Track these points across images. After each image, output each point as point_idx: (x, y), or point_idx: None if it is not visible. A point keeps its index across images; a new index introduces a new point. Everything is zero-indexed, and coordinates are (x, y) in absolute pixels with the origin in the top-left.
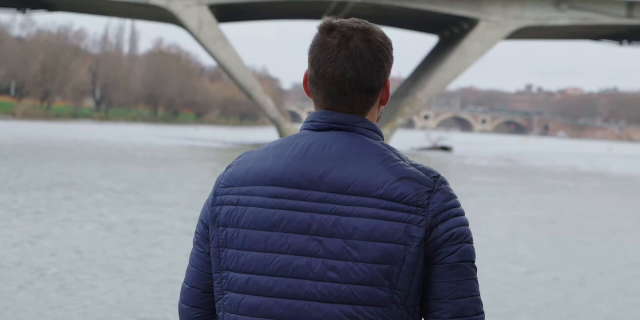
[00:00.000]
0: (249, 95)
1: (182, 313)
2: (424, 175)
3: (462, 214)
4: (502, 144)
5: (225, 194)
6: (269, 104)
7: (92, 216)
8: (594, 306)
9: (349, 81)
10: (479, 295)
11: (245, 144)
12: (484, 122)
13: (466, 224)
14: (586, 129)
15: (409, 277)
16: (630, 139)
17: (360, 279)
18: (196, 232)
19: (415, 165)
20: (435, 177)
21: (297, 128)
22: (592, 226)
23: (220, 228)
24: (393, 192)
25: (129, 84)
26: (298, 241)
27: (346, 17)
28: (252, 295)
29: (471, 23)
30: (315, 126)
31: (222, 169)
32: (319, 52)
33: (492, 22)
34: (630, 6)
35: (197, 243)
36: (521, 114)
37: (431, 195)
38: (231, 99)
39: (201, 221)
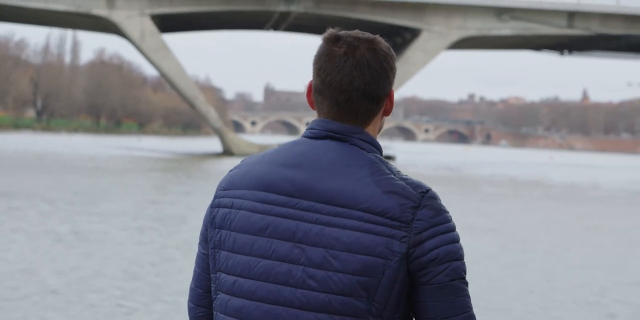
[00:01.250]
0: (192, 105)
1: (189, 311)
2: (411, 190)
3: (450, 230)
4: (444, 152)
5: (223, 197)
6: (211, 113)
7: (39, 226)
8: (542, 310)
9: (356, 90)
10: (471, 309)
11: (188, 153)
12: (426, 131)
13: (455, 240)
14: (528, 137)
15: (387, 290)
16: (571, 148)
17: (339, 289)
18: (200, 233)
19: (405, 179)
20: (423, 192)
21: (240, 138)
22: (537, 234)
23: (216, 230)
24: (378, 205)
25: (70, 94)
26: (282, 247)
27: (288, 27)
28: (237, 297)
29: (413, 33)
30: (313, 133)
31: (165, 179)
32: (325, 62)
33: (434, 32)
34: (571, 16)
35: (200, 244)
36: (464, 123)
37: (416, 210)
38: (173, 109)
39: (203, 223)
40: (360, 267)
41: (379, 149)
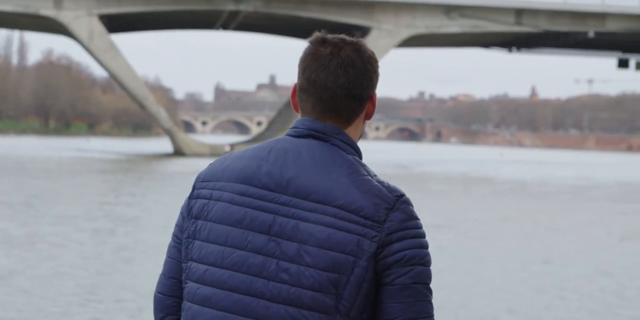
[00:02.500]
0: (142, 106)
1: (158, 302)
2: (386, 192)
3: (420, 235)
4: (395, 150)
5: (202, 188)
6: (162, 113)
7: None
8: (505, 307)
9: (340, 87)
10: (432, 316)
11: (139, 154)
12: (377, 129)
13: (423, 246)
14: (478, 134)
15: (355, 289)
16: (520, 144)
17: (309, 284)
18: (175, 224)
19: (381, 183)
20: (398, 196)
21: (190, 138)
22: (491, 230)
23: (192, 220)
24: (352, 204)
25: (18, 96)
26: (257, 239)
27: (238, 26)
28: (206, 285)
29: (363, 31)
30: (296, 132)
31: (118, 180)
32: (311, 61)
33: (383, 30)
34: (519, 13)
35: (174, 235)
36: (414, 121)
37: (389, 212)
38: (123, 110)
39: (180, 214)
40: (330, 263)
41: (358, 152)
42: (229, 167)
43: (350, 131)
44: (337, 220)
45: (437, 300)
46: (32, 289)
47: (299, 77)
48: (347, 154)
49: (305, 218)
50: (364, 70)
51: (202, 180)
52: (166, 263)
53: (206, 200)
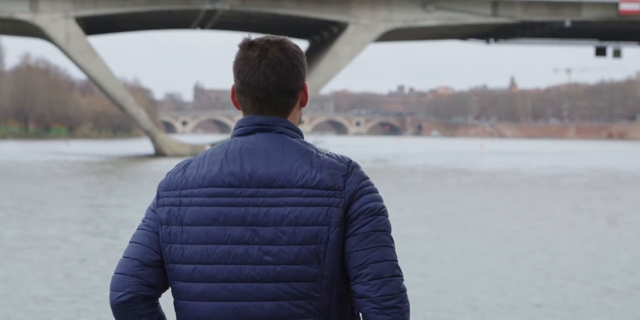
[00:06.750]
0: (121, 107)
1: (117, 282)
2: (338, 162)
3: (375, 191)
4: (377, 145)
5: (167, 197)
6: (141, 115)
7: None
8: (493, 294)
9: (272, 85)
10: (395, 260)
11: (120, 156)
12: (358, 124)
13: (379, 199)
14: (458, 127)
15: (333, 254)
16: (501, 135)
17: (292, 260)
18: (146, 217)
19: (330, 155)
20: (348, 162)
21: (171, 138)
22: (474, 222)
23: (164, 226)
24: (312, 181)
25: None
26: (235, 232)
27: (215, 25)
28: (198, 282)
29: (340, 27)
30: (242, 131)
31: (103, 182)
32: (243, 65)
33: (361, 25)
34: (495, 5)
35: (145, 224)
36: (394, 115)
37: (346, 178)
38: (103, 112)
39: (151, 210)
40: (307, 237)
41: (300, 134)
42: (191, 176)
43: (290, 119)
44: (303, 199)
45: (434, 292)
46: (32, 291)
47: (234, 80)
48: (293, 138)
49: (274, 203)
50: (291, 66)
51: (165, 189)
52: (132, 247)
53: (175, 207)
